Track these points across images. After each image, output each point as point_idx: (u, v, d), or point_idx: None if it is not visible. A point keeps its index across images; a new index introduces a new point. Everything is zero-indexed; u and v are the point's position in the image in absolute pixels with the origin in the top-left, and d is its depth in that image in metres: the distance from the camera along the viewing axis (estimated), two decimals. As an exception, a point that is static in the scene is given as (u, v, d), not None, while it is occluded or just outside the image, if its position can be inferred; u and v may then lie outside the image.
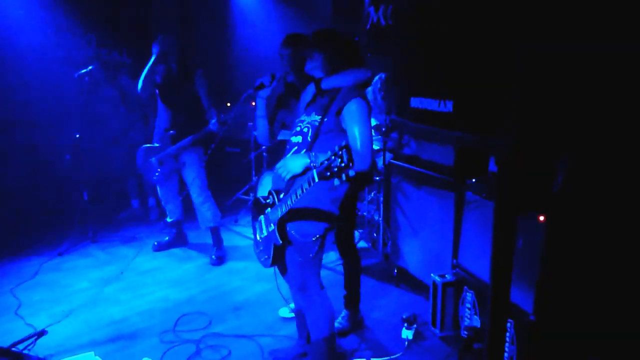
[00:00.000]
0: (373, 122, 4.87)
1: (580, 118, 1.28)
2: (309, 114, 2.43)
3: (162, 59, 4.05)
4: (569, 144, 1.29)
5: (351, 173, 1.84)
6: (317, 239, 2.35)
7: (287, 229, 2.35)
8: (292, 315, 3.29)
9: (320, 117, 2.35)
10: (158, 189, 4.52)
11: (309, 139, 2.34)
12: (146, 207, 5.60)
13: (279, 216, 2.32)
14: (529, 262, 2.38)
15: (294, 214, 2.30)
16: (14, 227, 4.77)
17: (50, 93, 4.93)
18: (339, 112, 2.30)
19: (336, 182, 2.25)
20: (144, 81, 4.09)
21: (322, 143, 2.31)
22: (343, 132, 2.31)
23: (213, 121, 4.02)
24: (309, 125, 2.38)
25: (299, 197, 2.17)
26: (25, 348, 2.93)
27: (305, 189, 2.12)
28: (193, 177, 4.24)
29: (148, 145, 4.35)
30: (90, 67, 4.57)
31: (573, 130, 1.26)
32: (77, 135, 4.62)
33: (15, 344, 2.90)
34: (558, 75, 1.11)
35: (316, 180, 2.02)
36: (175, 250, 4.64)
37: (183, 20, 6.18)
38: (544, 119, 1.04)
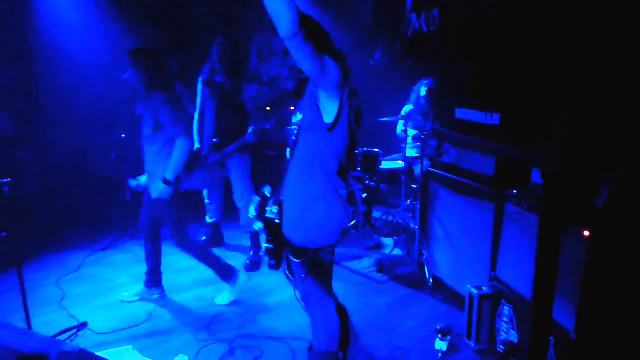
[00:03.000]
0: (412, 132, 4.86)
1: (629, 132, 1.24)
2: (296, 115, 2.23)
3: (211, 64, 4.12)
4: (616, 158, 1.25)
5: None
6: (303, 262, 2.15)
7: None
8: (228, 302, 3.60)
9: (302, 114, 2.14)
10: (205, 192, 4.62)
11: (293, 138, 2.18)
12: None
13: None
14: (570, 277, 2.31)
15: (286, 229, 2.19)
16: (62, 222, 4.97)
17: (99, 94, 5.10)
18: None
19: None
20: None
21: (303, 139, 2.13)
22: (319, 115, 2.03)
23: (249, 132, 4.08)
24: (296, 126, 2.21)
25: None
26: (67, 339, 3.04)
27: None
28: (237, 182, 4.30)
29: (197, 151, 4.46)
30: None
31: (621, 144, 1.21)
32: (123, 135, 4.80)
33: (58, 335, 3.02)
34: (608, 87, 1.08)
35: None
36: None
37: (227, 26, 6.29)
38: (592, 132, 1.01)
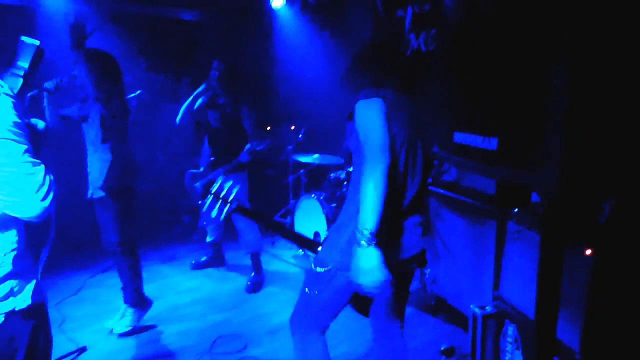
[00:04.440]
0: None
1: (632, 149, 1.24)
2: None
3: (211, 86, 4.13)
4: (618, 176, 1.25)
5: None
6: (326, 269, 2.04)
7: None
8: (127, 330, 3.43)
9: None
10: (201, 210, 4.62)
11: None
12: (194, 225, 5.74)
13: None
14: (575, 296, 2.29)
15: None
16: (62, 244, 4.95)
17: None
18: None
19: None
20: (184, 111, 4.12)
21: (353, 158, 2.09)
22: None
23: (243, 152, 4.08)
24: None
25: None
26: (67, 363, 3.02)
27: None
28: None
29: (194, 170, 4.46)
30: (138, 92, 4.75)
31: (623, 161, 1.22)
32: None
33: None
34: (607, 106, 1.09)
35: None
36: (213, 271, 4.71)
37: (227, 46, 6.37)
38: (590, 155, 1.01)
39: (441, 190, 3.69)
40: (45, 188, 1.41)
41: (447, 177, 3.74)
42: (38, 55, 1.62)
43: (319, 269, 2.05)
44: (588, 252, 2.24)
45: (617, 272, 2.24)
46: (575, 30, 1.01)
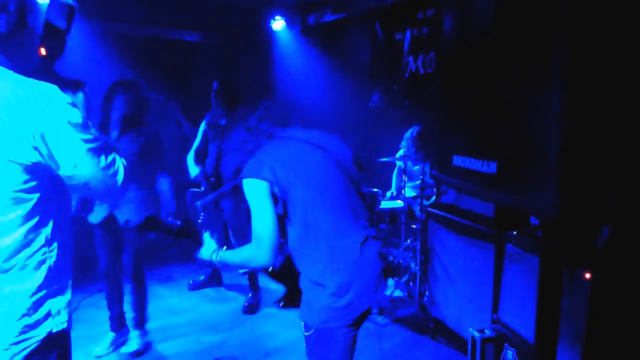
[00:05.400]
0: (410, 190, 4.88)
1: (630, 173, 1.25)
2: None
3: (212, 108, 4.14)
4: (617, 201, 1.25)
5: None
6: (309, 333, 1.93)
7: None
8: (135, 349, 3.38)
9: None
10: (203, 230, 4.59)
11: None
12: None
13: None
14: (575, 320, 2.28)
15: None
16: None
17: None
18: None
19: None
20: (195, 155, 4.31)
21: None
22: None
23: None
24: None
25: None
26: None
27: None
28: (232, 222, 4.30)
29: (195, 189, 4.47)
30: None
31: (622, 186, 1.22)
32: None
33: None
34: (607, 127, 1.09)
35: None
36: (210, 291, 4.67)
37: (227, 68, 6.44)
38: (591, 176, 1.02)
39: (440, 212, 3.69)
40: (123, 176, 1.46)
41: (446, 198, 3.75)
42: (72, 14, 1.58)
43: (306, 334, 1.96)
44: (587, 275, 2.23)
45: (616, 295, 2.23)
46: (571, 55, 1.03)
